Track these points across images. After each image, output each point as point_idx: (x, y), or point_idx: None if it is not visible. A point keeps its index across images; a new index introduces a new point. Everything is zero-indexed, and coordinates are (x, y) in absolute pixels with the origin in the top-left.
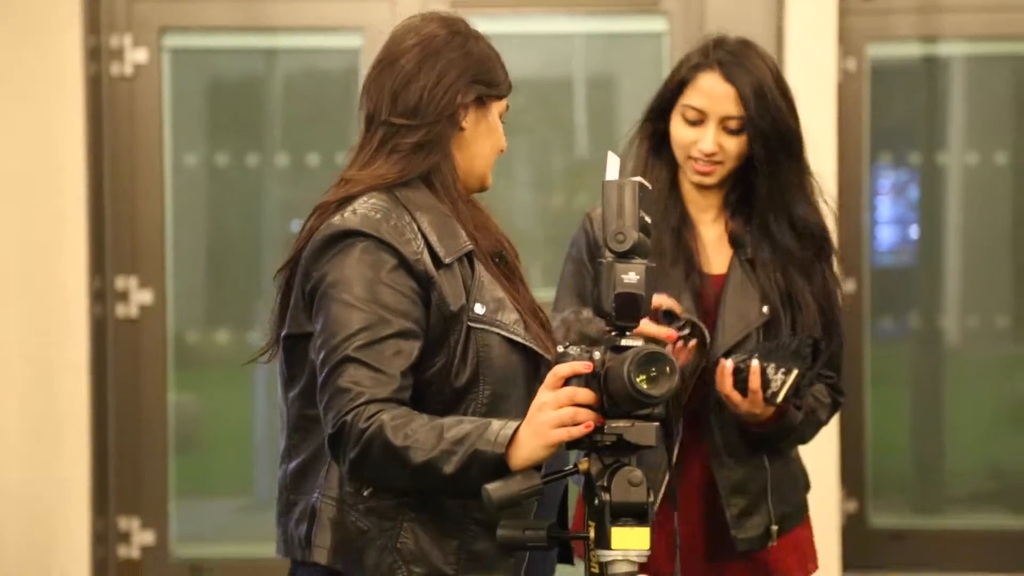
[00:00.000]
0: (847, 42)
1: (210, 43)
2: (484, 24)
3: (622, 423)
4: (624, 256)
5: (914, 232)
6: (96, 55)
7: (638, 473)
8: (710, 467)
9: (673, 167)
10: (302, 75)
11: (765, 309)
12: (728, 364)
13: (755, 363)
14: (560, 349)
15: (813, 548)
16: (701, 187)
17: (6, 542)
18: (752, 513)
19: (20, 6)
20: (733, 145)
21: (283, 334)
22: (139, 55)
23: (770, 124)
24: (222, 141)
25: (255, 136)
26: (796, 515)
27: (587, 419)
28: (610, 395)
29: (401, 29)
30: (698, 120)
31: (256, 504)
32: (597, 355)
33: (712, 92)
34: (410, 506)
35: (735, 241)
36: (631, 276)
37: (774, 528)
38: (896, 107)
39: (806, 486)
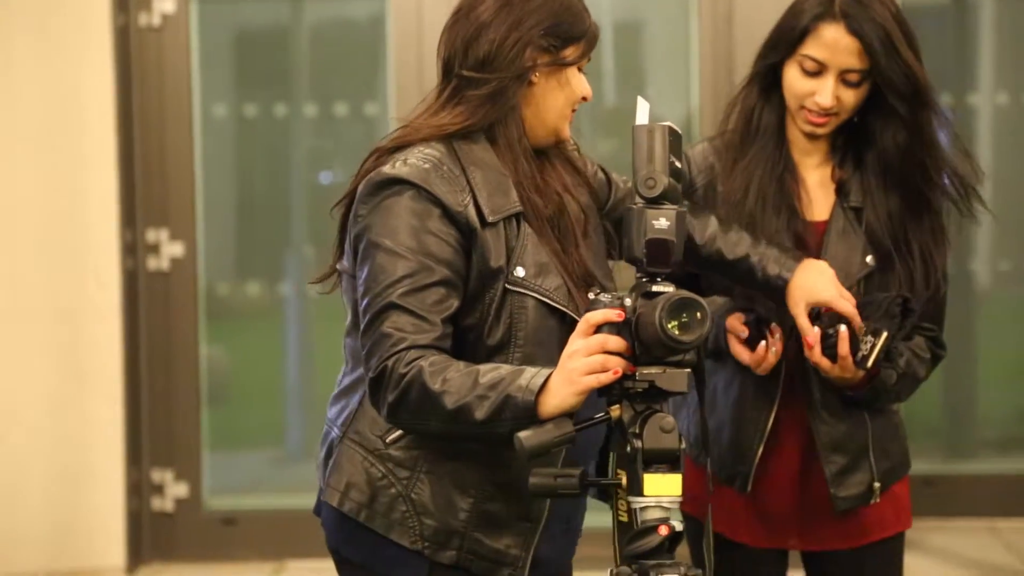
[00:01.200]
0: None
1: None
2: None
3: (654, 370)
4: (654, 201)
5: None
6: (124, 5)
7: (670, 419)
8: (808, 424)
9: (781, 111)
10: (329, 24)
11: (869, 259)
12: (815, 332)
13: (844, 328)
14: (591, 296)
15: (908, 501)
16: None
17: (42, 496)
18: (853, 470)
19: None
20: (851, 97)
21: (338, 266)
22: (167, 5)
23: (902, 77)
24: (250, 92)
25: (283, 86)
26: (898, 469)
27: (617, 366)
28: (641, 342)
29: None
30: (816, 71)
31: (288, 456)
32: (628, 302)
33: (835, 44)
34: (428, 458)
35: (841, 188)
36: (662, 222)
37: (876, 485)
38: (926, 49)
39: (904, 436)
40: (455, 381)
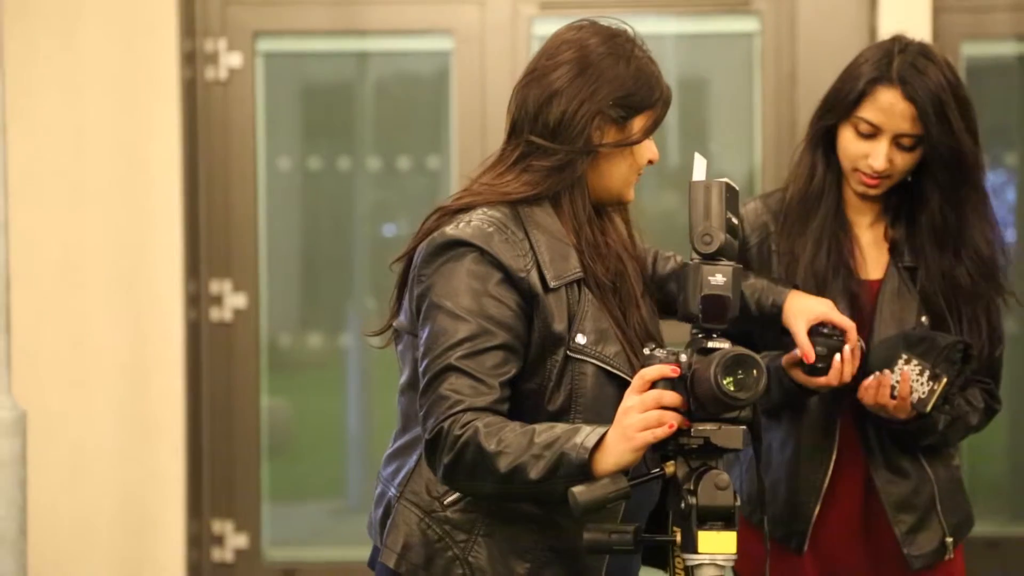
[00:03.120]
0: (941, 41)
1: (303, 47)
2: None
3: (709, 426)
4: (711, 257)
5: (1011, 235)
6: (191, 59)
7: (724, 477)
8: (870, 481)
9: (838, 170)
10: (393, 78)
11: (924, 319)
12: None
13: (907, 369)
14: (647, 351)
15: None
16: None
17: (104, 544)
18: (923, 528)
19: (116, 10)
20: (904, 161)
21: (395, 325)
22: (233, 59)
23: (948, 149)
24: (314, 145)
25: (347, 140)
26: (965, 524)
27: (672, 420)
28: (696, 398)
29: (557, 40)
30: (871, 134)
31: (348, 508)
32: (684, 358)
33: (891, 109)
34: (486, 521)
35: (894, 247)
36: (718, 278)
37: (949, 540)
38: (992, 107)
39: (966, 493)
40: (510, 441)
